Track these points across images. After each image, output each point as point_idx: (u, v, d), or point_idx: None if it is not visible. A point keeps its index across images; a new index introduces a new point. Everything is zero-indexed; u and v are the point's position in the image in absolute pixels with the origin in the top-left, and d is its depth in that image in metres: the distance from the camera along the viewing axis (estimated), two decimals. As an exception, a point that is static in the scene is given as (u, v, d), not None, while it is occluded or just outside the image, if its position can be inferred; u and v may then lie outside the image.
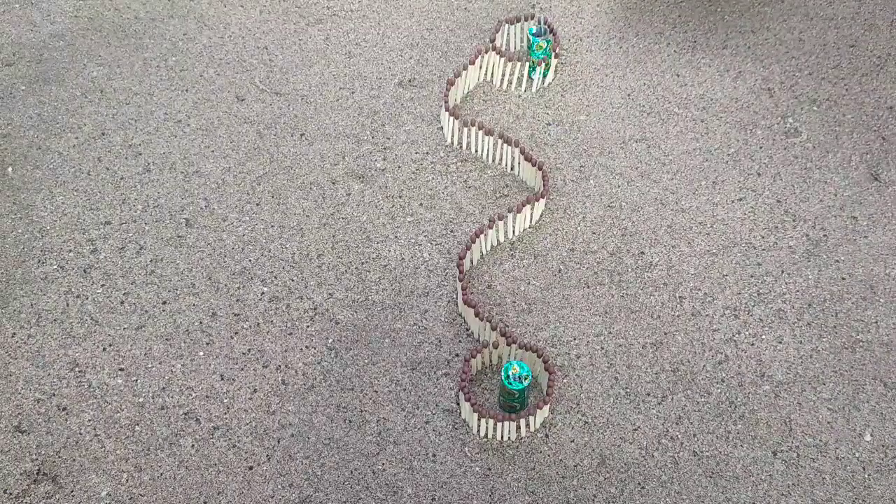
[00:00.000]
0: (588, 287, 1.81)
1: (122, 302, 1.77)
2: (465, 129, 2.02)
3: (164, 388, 1.64)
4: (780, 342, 1.72)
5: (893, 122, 2.14)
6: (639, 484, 1.53)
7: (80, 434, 1.58)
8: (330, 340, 1.72)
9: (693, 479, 1.54)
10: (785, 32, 2.39)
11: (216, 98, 2.19)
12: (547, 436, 1.59)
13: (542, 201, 1.91)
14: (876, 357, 1.70)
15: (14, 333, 1.72)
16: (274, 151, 2.07)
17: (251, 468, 1.54)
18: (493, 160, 2.03)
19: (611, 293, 1.80)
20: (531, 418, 1.57)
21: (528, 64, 2.17)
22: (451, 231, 1.90)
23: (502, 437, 1.58)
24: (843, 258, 1.86)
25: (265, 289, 1.80)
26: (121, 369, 1.67)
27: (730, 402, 1.63)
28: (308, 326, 1.74)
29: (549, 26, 2.17)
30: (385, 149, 2.07)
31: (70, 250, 1.86)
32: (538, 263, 1.85)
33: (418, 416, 1.61)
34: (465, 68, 2.12)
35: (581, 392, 1.65)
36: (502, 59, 2.17)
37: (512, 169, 2.01)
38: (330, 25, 2.40)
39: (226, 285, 1.80)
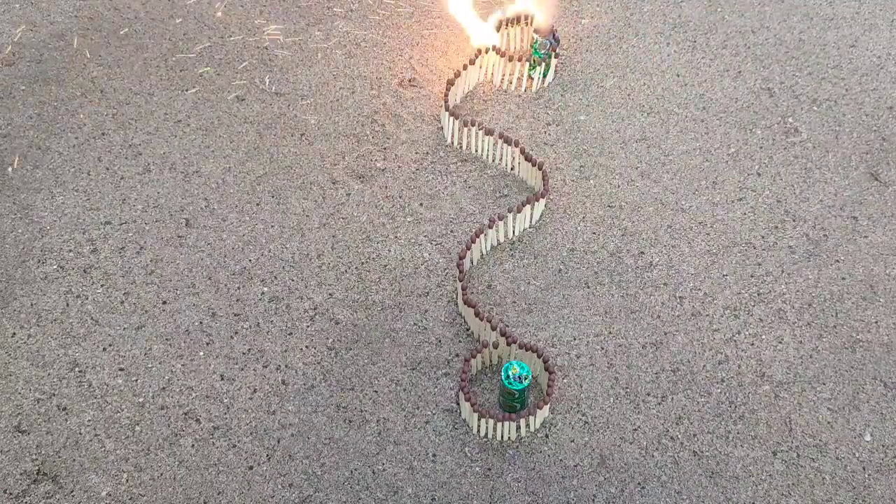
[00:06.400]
0: (588, 287, 1.81)
1: (122, 302, 1.77)
2: (465, 129, 2.02)
3: (164, 388, 1.64)
4: (780, 342, 1.72)
5: (893, 122, 2.14)
6: (639, 484, 1.53)
7: (80, 434, 1.58)
8: (330, 340, 1.72)
9: (693, 479, 1.54)
10: (785, 32, 2.39)
11: (216, 98, 2.19)
12: (547, 436, 1.59)
13: (542, 201, 1.91)
14: (876, 357, 1.70)
15: (14, 333, 1.72)
16: (274, 151, 2.07)
17: (251, 468, 1.54)
18: (493, 160, 2.03)
19: (611, 293, 1.80)
20: (531, 418, 1.57)
21: (528, 63, 2.17)
22: (451, 231, 1.90)
23: (502, 437, 1.58)
24: (843, 258, 1.86)
25: (265, 289, 1.80)
26: (121, 369, 1.67)
27: (730, 402, 1.63)
28: (308, 326, 1.74)
29: (553, 35, 2.18)
30: (385, 149, 2.07)
31: (70, 250, 1.86)
32: (538, 263, 1.85)
33: (418, 416, 1.61)
34: (465, 68, 2.12)
35: (581, 392, 1.65)
36: (502, 59, 2.17)
37: (512, 169, 2.01)
38: (330, 25, 2.40)
39: (226, 285, 1.80)
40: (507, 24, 2.24)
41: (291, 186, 1.99)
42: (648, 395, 1.64)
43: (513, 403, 1.58)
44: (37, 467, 1.54)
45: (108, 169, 2.02)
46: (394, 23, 2.41)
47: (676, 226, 1.92)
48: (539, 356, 1.61)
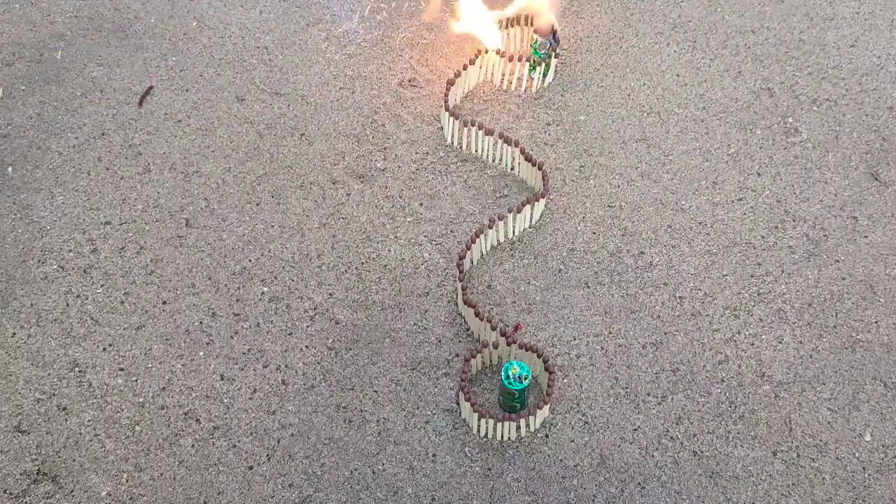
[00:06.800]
0: (588, 287, 1.81)
1: (122, 302, 1.77)
2: (465, 129, 2.02)
3: (164, 388, 1.64)
4: (780, 342, 1.72)
5: (893, 122, 2.14)
6: (639, 484, 1.53)
7: (80, 434, 1.58)
8: (330, 340, 1.72)
9: (693, 479, 1.54)
10: (785, 32, 2.39)
11: (216, 98, 2.19)
12: (547, 436, 1.59)
13: (542, 201, 1.91)
14: (876, 357, 1.70)
15: (14, 333, 1.72)
16: (274, 151, 2.07)
17: (251, 468, 1.54)
18: (493, 160, 2.03)
19: (611, 293, 1.80)
20: (531, 418, 1.57)
21: (528, 63, 2.17)
22: (451, 231, 1.90)
23: (502, 437, 1.58)
24: (843, 258, 1.86)
25: (265, 289, 1.80)
26: (121, 369, 1.67)
27: (730, 402, 1.63)
28: (308, 326, 1.74)
29: (554, 33, 2.18)
30: (385, 149, 2.07)
31: (70, 250, 1.86)
32: (538, 263, 1.85)
33: (418, 416, 1.61)
34: (465, 68, 2.12)
35: (581, 392, 1.65)
36: (502, 60, 2.17)
37: (512, 169, 2.01)
38: (330, 25, 2.40)
39: (226, 285, 1.81)
40: (507, 24, 2.24)
41: (291, 186, 1.99)
42: (648, 395, 1.64)
43: (513, 403, 1.58)
44: (37, 467, 1.54)
45: (108, 169, 2.02)
46: (394, 23, 2.41)
47: (676, 226, 1.92)
48: (539, 356, 1.61)
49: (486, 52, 2.16)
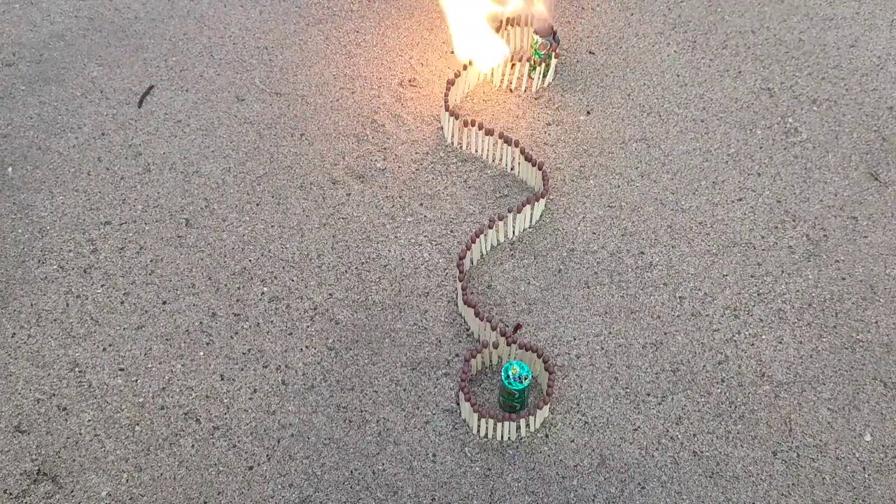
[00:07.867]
0: (588, 287, 1.81)
1: (122, 302, 1.77)
2: (465, 129, 2.02)
3: (164, 388, 1.64)
4: (780, 342, 1.72)
5: (893, 122, 2.14)
6: (639, 484, 1.53)
7: (80, 434, 1.58)
8: (330, 340, 1.72)
9: (693, 479, 1.54)
10: (785, 32, 2.39)
11: (216, 98, 2.19)
12: (547, 436, 1.59)
13: (542, 201, 1.91)
14: (876, 357, 1.70)
15: (14, 333, 1.72)
16: (274, 151, 2.07)
17: (251, 468, 1.54)
18: (493, 160, 2.03)
19: (611, 293, 1.80)
20: (531, 418, 1.57)
21: (528, 63, 2.17)
22: (451, 231, 1.90)
23: (502, 437, 1.58)
24: (843, 258, 1.86)
25: (265, 289, 1.80)
26: (121, 369, 1.67)
27: (730, 402, 1.63)
28: (308, 326, 1.74)
29: (553, 33, 2.18)
30: (385, 149, 2.07)
31: (70, 250, 1.86)
32: (538, 263, 1.85)
33: (418, 416, 1.61)
34: (465, 68, 2.12)
35: (581, 392, 1.65)
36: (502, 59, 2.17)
37: (512, 169, 2.01)
38: (330, 25, 2.40)
39: (226, 285, 1.81)
40: (507, 24, 2.24)
41: (291, 186, 1.99)
42: (648, 395, 1.64)
43: (513, 403, 1.58)
44: (37, 467, 1.54)
45: (108, 169, 2.02)
46: (394, 23, 2.41)
47: (676, 226, 1.92)
48: (539, 356, 1.61)
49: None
